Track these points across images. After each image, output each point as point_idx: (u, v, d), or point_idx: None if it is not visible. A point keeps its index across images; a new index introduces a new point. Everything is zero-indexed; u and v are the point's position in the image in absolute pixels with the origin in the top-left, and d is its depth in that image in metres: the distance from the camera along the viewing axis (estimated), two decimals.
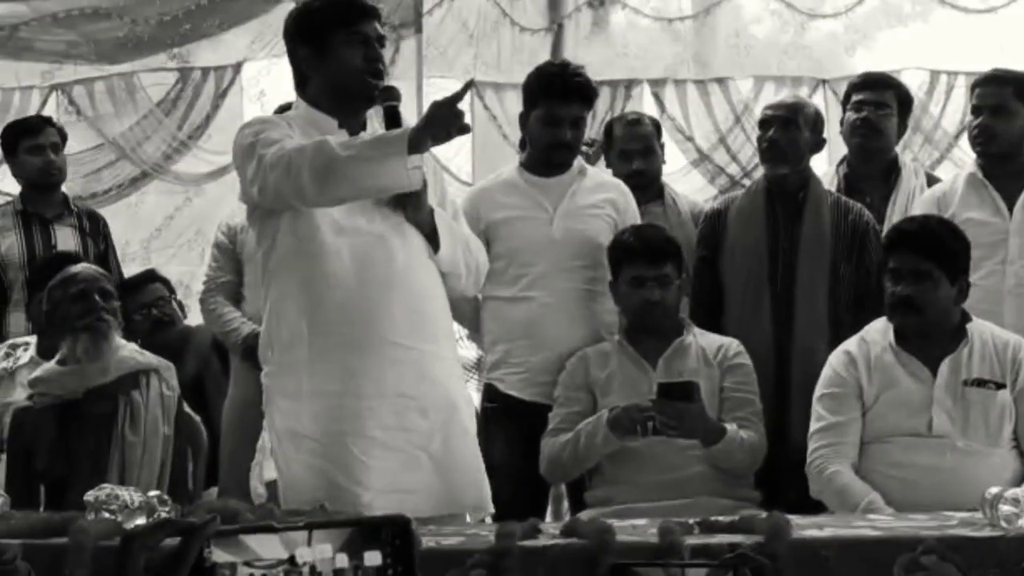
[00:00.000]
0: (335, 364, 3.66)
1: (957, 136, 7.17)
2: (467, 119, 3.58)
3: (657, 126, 5.87)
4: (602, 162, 5.87)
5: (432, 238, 3.79)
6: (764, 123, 5.11)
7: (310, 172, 3.51)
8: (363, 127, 3.81)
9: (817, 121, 5.13)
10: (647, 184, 5.51)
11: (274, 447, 3.78)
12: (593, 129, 6.31)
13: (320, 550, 1.84)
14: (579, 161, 5.07)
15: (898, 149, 5.67)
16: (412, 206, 3.71)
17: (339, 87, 3.80)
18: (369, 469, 3.62)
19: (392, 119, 3.67)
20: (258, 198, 3.68)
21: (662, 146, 5.78)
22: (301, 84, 3.90)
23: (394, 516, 1.90)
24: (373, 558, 1.86)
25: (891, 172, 5.47)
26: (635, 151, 5.60)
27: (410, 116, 7.40)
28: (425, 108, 7.41)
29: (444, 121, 3.48)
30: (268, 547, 1.83)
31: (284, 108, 5.43)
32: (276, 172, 3.56)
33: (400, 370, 3.67)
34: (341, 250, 3.68)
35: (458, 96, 3.49)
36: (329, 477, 3.63)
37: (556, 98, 4.88)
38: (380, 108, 3.73)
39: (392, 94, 3.72)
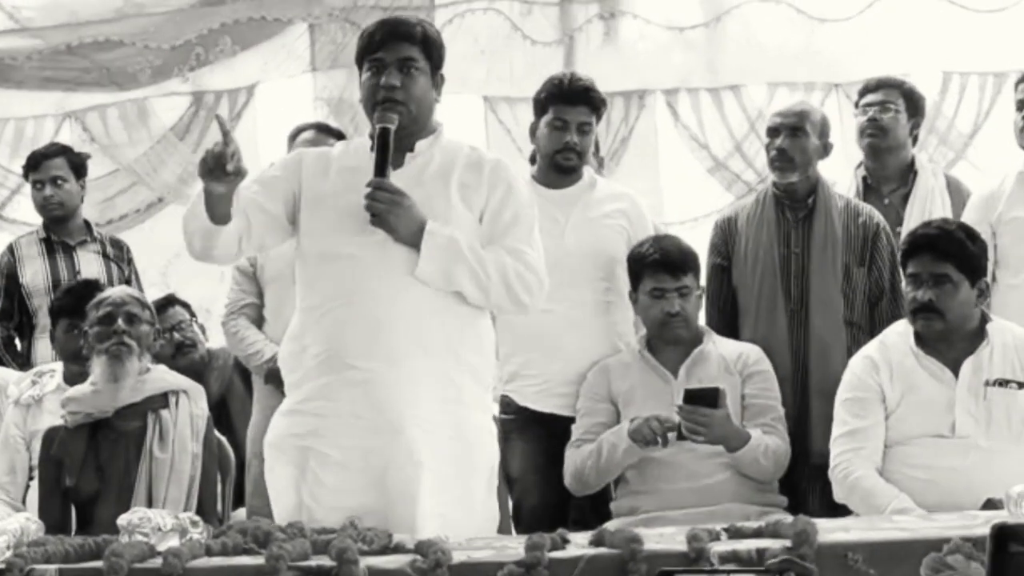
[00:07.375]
0: (310, 383, 3.77)
1: (972, 136, 7.17)
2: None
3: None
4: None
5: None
6: (772, 131, 5.08)
7: None
8: (411, 149, 3.86)
9: (824, 126, 5.09)
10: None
11: (267, 458, 3.89)
12: (605, 140, 6.29)
13: None
14: (589, 172, 5.06)
15: (914, 151, 5.67)
16: (381, 225, 3.72)
17: (366, 113, 3.91)
18: (323, 486, 3.71)
19: (382, 141, 3.74)
20: None
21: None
22: None
23: None
24: None
25: (909, 173, 5.48)
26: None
27: None
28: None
29: (202, 166, 3.60)
30: None
31: (299, 131, 5.49)
32: None
33: (354, 391, 3.71)
34: (317, 273, 3.80)
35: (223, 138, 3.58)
36: (299, 492, 3.74)
37: (562, 103, 4.91)
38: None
39: (387, 117, 3.76)
